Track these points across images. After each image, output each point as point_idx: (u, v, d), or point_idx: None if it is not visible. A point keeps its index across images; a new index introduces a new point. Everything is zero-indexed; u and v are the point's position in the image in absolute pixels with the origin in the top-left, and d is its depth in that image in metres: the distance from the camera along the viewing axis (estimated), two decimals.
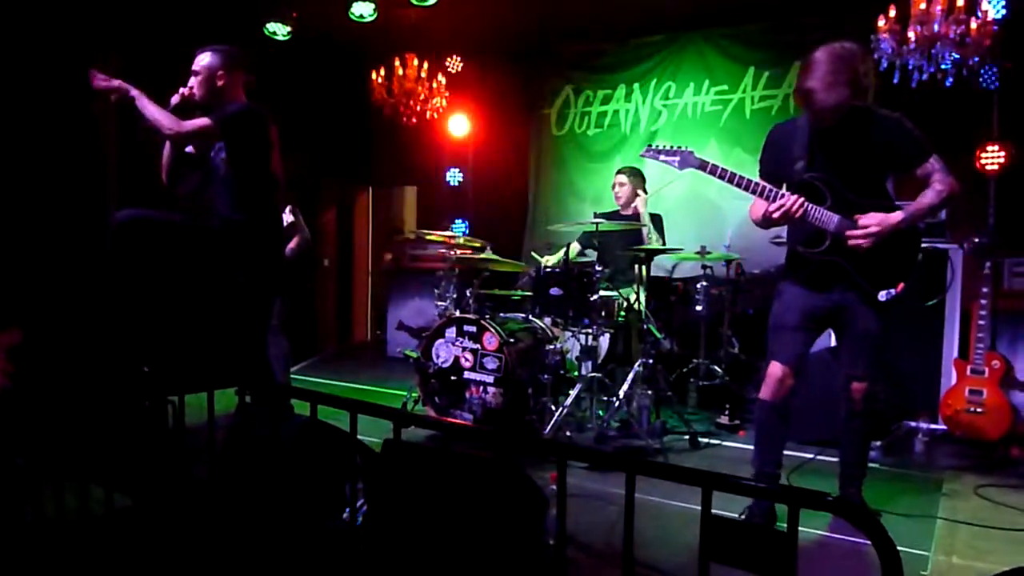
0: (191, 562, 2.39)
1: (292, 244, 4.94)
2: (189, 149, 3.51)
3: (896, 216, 2.90)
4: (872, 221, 2.90)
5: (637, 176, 5.24)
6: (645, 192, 5.25)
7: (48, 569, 2.45)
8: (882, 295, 2.96)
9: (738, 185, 2.98)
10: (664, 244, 5.09)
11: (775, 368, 3.07)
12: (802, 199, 2.90)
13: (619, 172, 5.31)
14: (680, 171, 3.15)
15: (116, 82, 3.25)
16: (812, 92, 2.84)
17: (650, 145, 3.24)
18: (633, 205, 5.18)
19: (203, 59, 3.43)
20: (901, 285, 2.97)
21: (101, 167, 5.89)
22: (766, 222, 3.05)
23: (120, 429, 2.58)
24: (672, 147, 3.16)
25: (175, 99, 3.38)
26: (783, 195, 2.92)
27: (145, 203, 3.44)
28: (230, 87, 3.46)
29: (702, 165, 3.05)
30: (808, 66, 2.87)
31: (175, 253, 3.32)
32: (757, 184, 2.98)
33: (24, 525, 2.57)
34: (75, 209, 5.69)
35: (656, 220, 5.22)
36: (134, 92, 3.25)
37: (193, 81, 3.42)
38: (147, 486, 2.57)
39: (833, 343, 4.18)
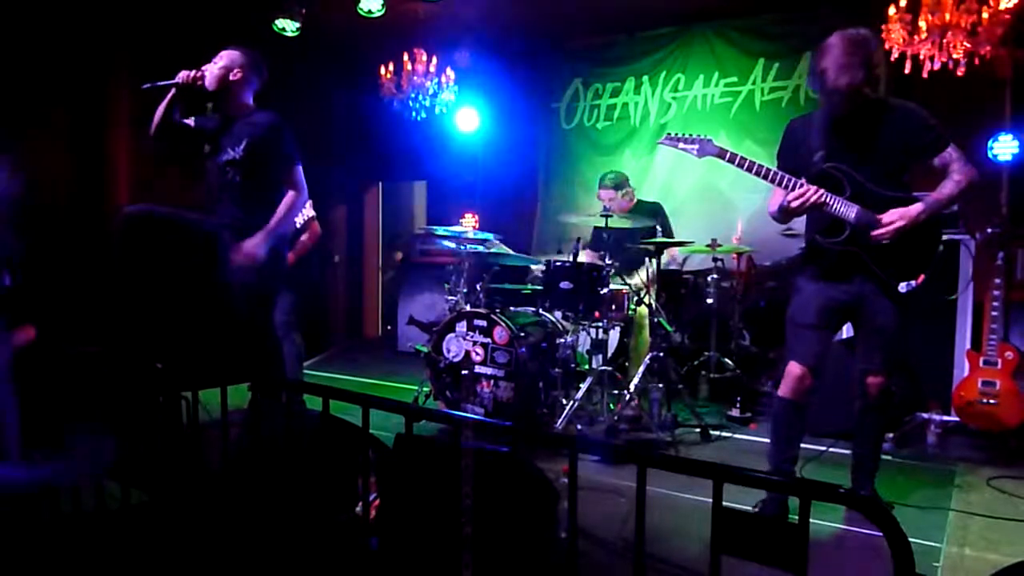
0: (206, 556, 2.41)
1: (304, 237, 4.92)
2: (189, 122, 3.55)
3: (916, 208, 2.89)
4: (895, 216, 2.88)
5: (622, 184, 5.21)
6: (634, 192, 5.25)
7: (65, 565, 2.48)
8: (902, 287, 2.95)
9: (756, 173, 2.97)
10: (671, 233, 5.09)
11: (794, 367, 3.06)
12: (821, 189, 2.90)
13: (602, 187, 5.23)
14: (699, 158, 3.15)
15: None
16: (825, 72, 2.83)
17: (669, 133, 3.24)
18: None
19: (227, 54, 3.47)
20: (922, 277, 2.96)
21: (114, 161, 5.93)
22: (784, 214, 3.04)
23: (135, 425, 2.60)
24: (691, 135, 3.16)
25: (182, 76, 3.39)
26: (801, 184, 2.92)
27: (155, 198, 3.47)
28: (242, 87, 3.50)
29: (721, 153, 3.05)
30: (823, 49, 2.87)
31: (185, 249, 3.34)
32: (776, 173, 2.97)
33: (41, 521, 2.60)
34: (86, 205, 5.73)
35: (659, 210, 5.22)
36: (261, 240, 3.39)
37: (206, 67, 3.43)
38: (162, 481, 2.59)
39: (847, 335, 4.17)
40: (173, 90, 3.39)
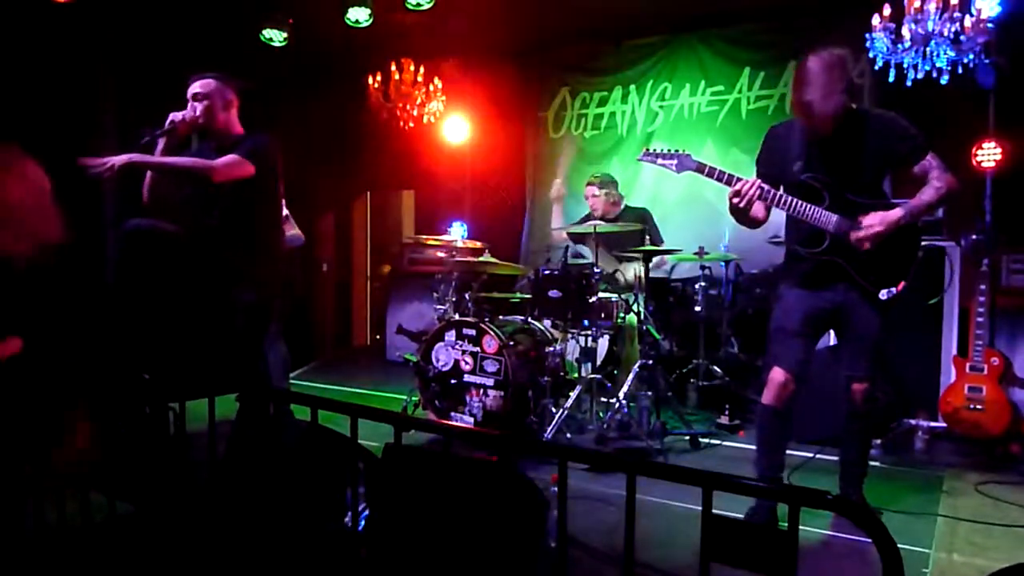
0: (193, 568, 2.39)
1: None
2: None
3: (896, 213, 2.90)
4: (875, 220, 2.90)
5: (608, 184, 5.24)
6: (620, 196, 5.28)
7: None
8: (883, 294, 2.97)
9: (731, 185, 2.99)
10: (659, 240, 5.11)
11: (777, 374, 3.07)
12: (759, 182, 2.92)
13: (588, 183, 5.27)
14: (678, 174, 3.16)
15: (115, 160, 3.12)
16: (811, 104, 2.84)
17: (647, 149, 3.24)
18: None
19: (206, 84, 3.41)
20: (902, 284, 2.98)
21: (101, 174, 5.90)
22: (733, 213, 3.05)
23: (121, 436, 2.58)
24: (669, 150, 3.16)
25: (177, 118, 3.35)
26: (738, 179, 2.93)
27: (145, 211, 3.44)
28: (231, 112, 3.48)
29: (699, 168, 3.06)
30: (802, 78, 2.88)
31: (179, 263, 3.32)
32: (742, 181, 2.98)
33: (26, 533, 2.57)
34: (73, 215, 5.69)
35: (647, 216, 5.24)
36: (138, 158, 3.19)
37: (197, 106, 3.39)
38: (149, 493, 2.57)
39: (833, 342, 4.19)
40: (164, 140, 3.35)
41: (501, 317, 4.74)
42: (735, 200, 2.93)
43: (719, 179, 2.99)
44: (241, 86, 3.53)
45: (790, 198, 2.96)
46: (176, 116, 3.36)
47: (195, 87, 3.42)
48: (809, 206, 2.94)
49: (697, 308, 5.30)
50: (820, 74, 2.83)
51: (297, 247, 5.00)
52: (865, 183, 2.97)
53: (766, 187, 2.94)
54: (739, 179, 2.94)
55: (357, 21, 5.76)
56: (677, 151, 3.15)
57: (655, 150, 3.20)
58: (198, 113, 3.38)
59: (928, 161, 2.93)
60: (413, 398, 4.73)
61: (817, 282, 3.06)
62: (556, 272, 4.45)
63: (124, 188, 5.48)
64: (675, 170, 3.12)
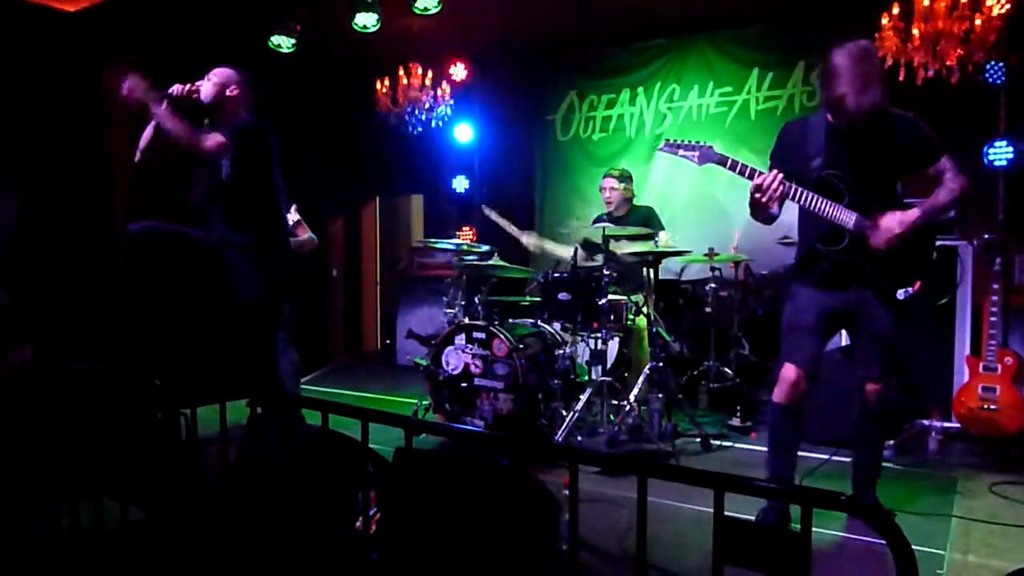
0: (206, 574, 2.40)
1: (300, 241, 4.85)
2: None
3: (914, 214, 2.89)
4: (893, 221, 2.88)
5: (627, 179, 5.23)
6: (633, 193, 5.27)
7: None
8: (900, 293, 2.95)
9: (751, 179, 2.95)
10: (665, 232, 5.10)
11: (788, 370, 3.05)
12: (780, 176, 2.85)
13: (607, 176, 5.25)
14: (699, 166, 3.09)
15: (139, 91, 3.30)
16: (845, 98, 2.79)
17: (668, 139, 3.17)
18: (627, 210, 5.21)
19: (222, 70, 3.52)
20: (918, 283, 2.96)
21: (110, 179, 5.93)
22: (752, 210, 3.01)
23: (133, 442, 2.59)
24: (691, 142, 3.09)
25: (176, 89, 3.42)
26: (760, 173, 2.88)
27: (153, 215, 3.47)
28: (237, 104, 3.51)
29: (722, 160, 2.96)
30: (832, 73, 2.82)
31: (187, 266, 3.35)
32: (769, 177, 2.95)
33: (40, 540, 2.58)
34: (84, 222, 5.73)
35: (651, 214, 5.22)
36: (154, 105, 3.31)
37: (204, 83, 3.46)
38: (161, 499, 2.58)
39: (844, 342, 4.17)
40: (165, 102, 3.41)
41: (511, 320, 4.74)
42: (756, 195, 2.88)
43: (741, 172, 2.92)
44: (253, 78, 3.58)
45: (811, 194, 2.91)
46: (176, 87, 3.46)
47: (212, 71, 3.55)
48: (829, 203, 2.91)
49: (707, 309, 5.29)
50: (852, 67, 2.76)
51: (310, 251, 5.02)
52: (882, 182, 2.96)
53: (788, 182, 2.90)
54: (760, 173, 2.88)
55: (365, 27, 5.77)
56: (699, 143, 3.05)
57: (676, 140, 3.11)
58: (200, 88, 3.48)
59: (943, 162, 2.93)
60: (423, 402, 4.73)
61: (833, 281, 3.03)
62: (565, 275, 4.45)
63: (133, 193, 5.53)
64: (697, 162, 3.03)
